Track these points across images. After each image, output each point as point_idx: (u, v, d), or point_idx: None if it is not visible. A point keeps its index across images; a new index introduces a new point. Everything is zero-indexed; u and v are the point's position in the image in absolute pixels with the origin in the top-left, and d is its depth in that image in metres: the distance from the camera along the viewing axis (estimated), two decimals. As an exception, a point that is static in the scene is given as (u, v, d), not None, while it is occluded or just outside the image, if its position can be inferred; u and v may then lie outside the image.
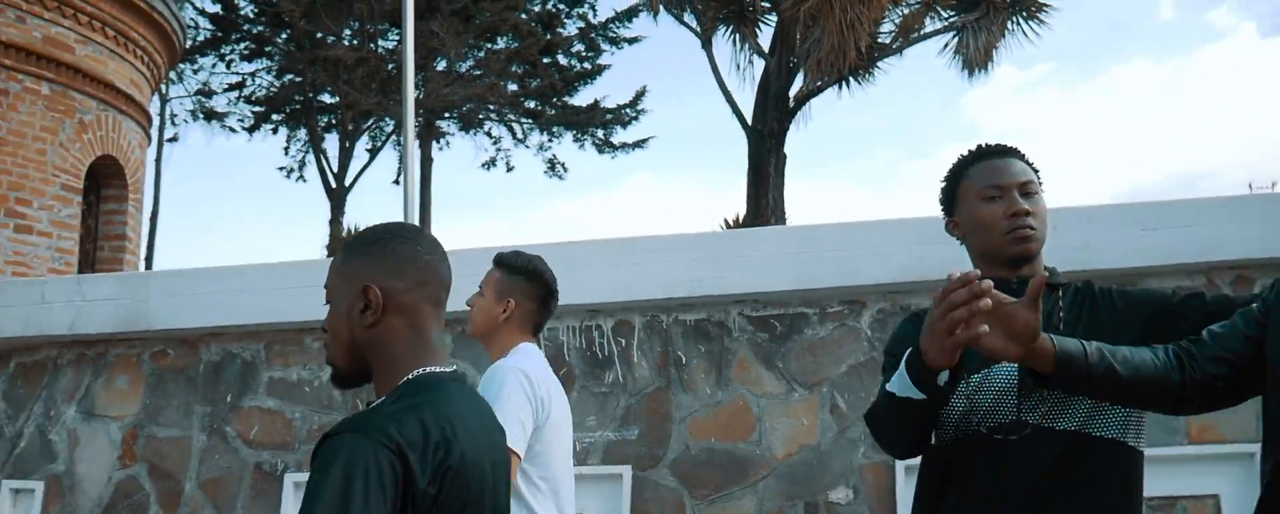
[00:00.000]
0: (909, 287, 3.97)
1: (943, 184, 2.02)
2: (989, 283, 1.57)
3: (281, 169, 20.68)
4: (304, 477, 4.21)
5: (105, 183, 10.49)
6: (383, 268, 1.58)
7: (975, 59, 11.91)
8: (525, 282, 2.70)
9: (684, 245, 4.23)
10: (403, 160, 6.80)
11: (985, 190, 1.91)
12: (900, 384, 1.70)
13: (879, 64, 12.49)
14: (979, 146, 2.01)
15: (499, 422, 1.68)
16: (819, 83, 12.08)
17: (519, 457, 2.46)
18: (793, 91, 12.53)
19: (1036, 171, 1.98)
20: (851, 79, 12.20)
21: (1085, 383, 1.63)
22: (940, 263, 3.80)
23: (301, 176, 20.64)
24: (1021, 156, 1.97)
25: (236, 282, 4.29)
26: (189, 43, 20.05)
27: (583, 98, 21.32)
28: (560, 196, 36.02)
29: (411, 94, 5.40)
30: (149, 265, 18.91)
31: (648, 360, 4.20)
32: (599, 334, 4.26)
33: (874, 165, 40.88)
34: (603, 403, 4.19)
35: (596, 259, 4.25)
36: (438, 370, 1.57)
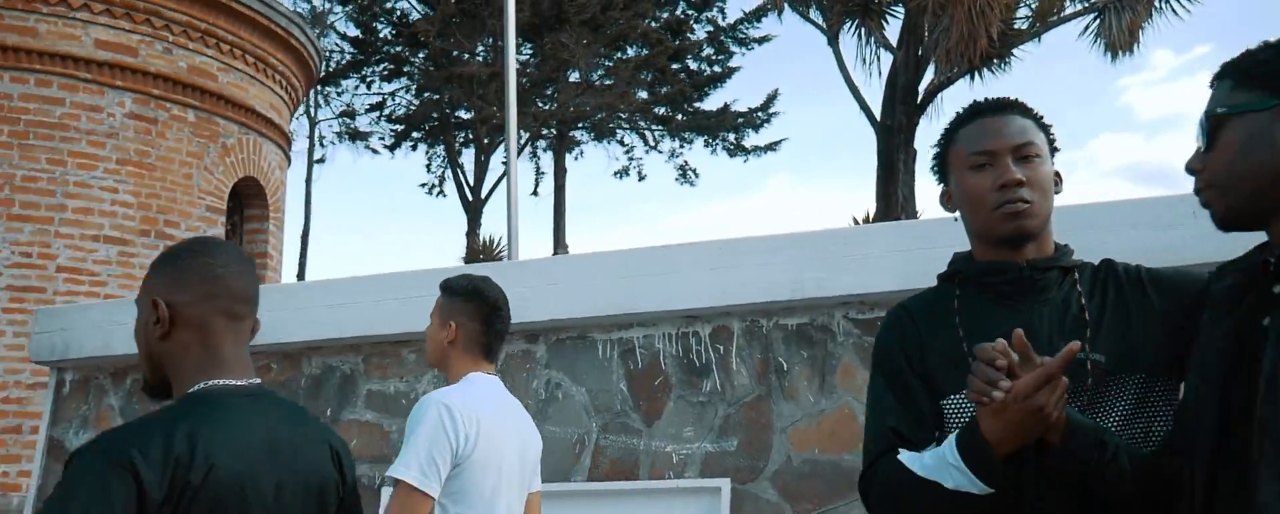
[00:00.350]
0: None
1: (934, 148, 1.73)
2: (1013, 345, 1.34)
3: (423, 186, 21.28)
4: (402, 490, 4.20)
5: (248, 203, 10.94)
6: (170, 282, 1.60)
7: (1119, 42, 11.20)
8: (464, 302, 2.66)
9: (785, 246, 4.03)
10: (508, 171, 6.81)
11: (973, 157, 1.61)
12: (954, 477, 1.42)
13: (1014, 51, 11.92)
14: (974, 103, 1.70)
15: (323, 440, 1.67)
16: (949, 74, 11.61)
17: (425, 494, 2.42)
18: (922, 85, 12.09)
19: (1046, 129, 1.67)
20: (984, 68, 11.67)
21: (1094, 458, 1.40)
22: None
23: (442, 191, 21.20)
24: (1026, 112, 1.66)
25: (335, 295, 4.32)
26: (331, 67, 20.88)
27: (713, 102, 21.21)
28: (697, 202, 36.05)
29: (513, 106, 5.38)
30: (301, 281, 19.73)
31: (747, 367, 4.02)
32: (696, 341, 4.10)
33: (1021, 158, 39.17)
34: (700, 413, 4.02)
35: (692, 263, 4.10)
36: (224, 383, 1.57)
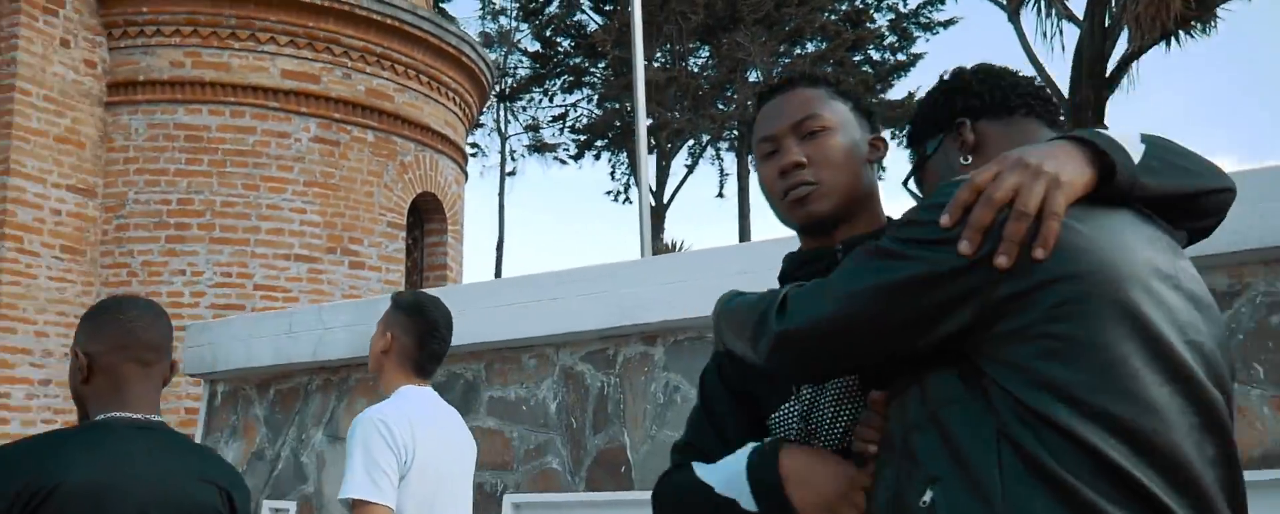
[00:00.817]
0: (1259, 254, 2.87)
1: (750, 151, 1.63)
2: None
3: (608, 192, 21.57)
4: (522, 498, 4.15)
5: (427, 217, 11.34)
6: (89, 336, 1.92)
7: (1342, -10, 9.95)
8: (404, 316, 2.74)
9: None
10: (636, 173, 6.72)
11: (760, 146, 1.50)
12: (731, 483, 1.34)
13: (1218, 11, 10.81)
14: (763, 88, 1.59)
15: (210, 478, 1.91)
16: (1141, 42, 10.65)
17: (381, 505, 2.48)
18: (1113, 57, 11.15)
19: (846, 95, 1.51)
20: (1181, 33, 10.64)
21: None
22: None
23: (627, 198, 21.41)
24: (814, 82, 1.51)
25: (456, 302, 4.33)
26: (515, 82, 21.50)
27: (898, 91, 20.49)
28: (887, 196, 34.83)
29: (642, 106, 5.28)
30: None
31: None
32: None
33: (1246, 130, 35.88)
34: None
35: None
36: (120, 415, 1.85)
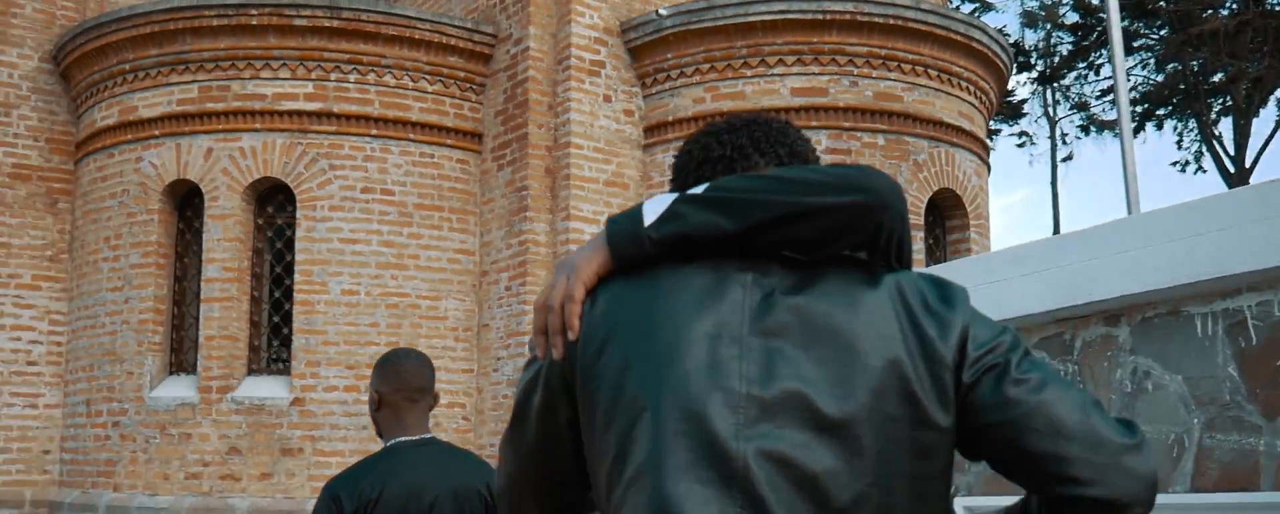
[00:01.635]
0: None
1: None
2: None
3: (1174, 164, 19.11)
4: (976, 501, 3.82)
5: (946, 214, 10.99)
6: (378, 379, 2.63)
7: None
8: None
9: None
10: (1120, 132, 5.80)
11: None
12: None
13: None
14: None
15: (479, 467, 2.65)
16: None
17: None
18: None
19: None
20: None
21: None
22: None
23: (1200, 167, 18.79)
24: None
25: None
26: (1056, 60, 20.04)
27: None
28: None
29: (1122, 71, 4.65)
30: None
31: None
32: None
33: None
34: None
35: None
36: (404, 440, 2.60)
